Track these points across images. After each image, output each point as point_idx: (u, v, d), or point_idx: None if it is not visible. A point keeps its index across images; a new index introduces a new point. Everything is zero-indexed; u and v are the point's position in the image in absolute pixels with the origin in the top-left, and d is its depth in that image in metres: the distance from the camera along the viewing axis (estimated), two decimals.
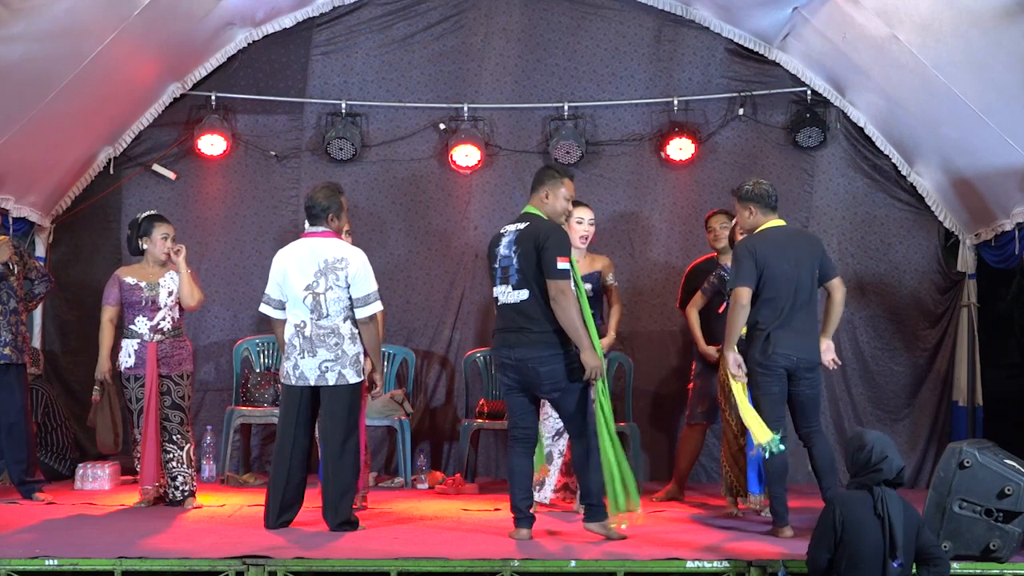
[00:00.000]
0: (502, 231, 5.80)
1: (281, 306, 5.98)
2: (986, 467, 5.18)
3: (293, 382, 5.92)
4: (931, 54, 6.99)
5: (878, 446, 4.63)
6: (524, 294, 5.62)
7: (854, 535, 4.51)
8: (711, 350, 6.90)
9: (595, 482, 5.67)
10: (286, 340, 5.96)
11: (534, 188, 5.84)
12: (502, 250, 5.72)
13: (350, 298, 5.89)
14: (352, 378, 5.90)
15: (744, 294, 5.80)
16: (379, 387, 6.17)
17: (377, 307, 5.94)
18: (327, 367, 5.87)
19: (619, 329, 7.11)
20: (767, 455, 5.77)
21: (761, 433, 5.74)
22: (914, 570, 4.61)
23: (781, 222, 6.04)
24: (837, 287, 6.07)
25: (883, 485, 4.58)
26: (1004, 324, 8.29)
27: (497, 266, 5.75)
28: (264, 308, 6.07)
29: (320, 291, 5.86)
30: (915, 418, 8.41)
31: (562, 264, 5.56)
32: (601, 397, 5.78)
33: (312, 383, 5.89)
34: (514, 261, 5.65)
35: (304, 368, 5.89)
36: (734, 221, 6.73)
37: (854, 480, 4.68)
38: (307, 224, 6.09)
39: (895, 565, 4.48)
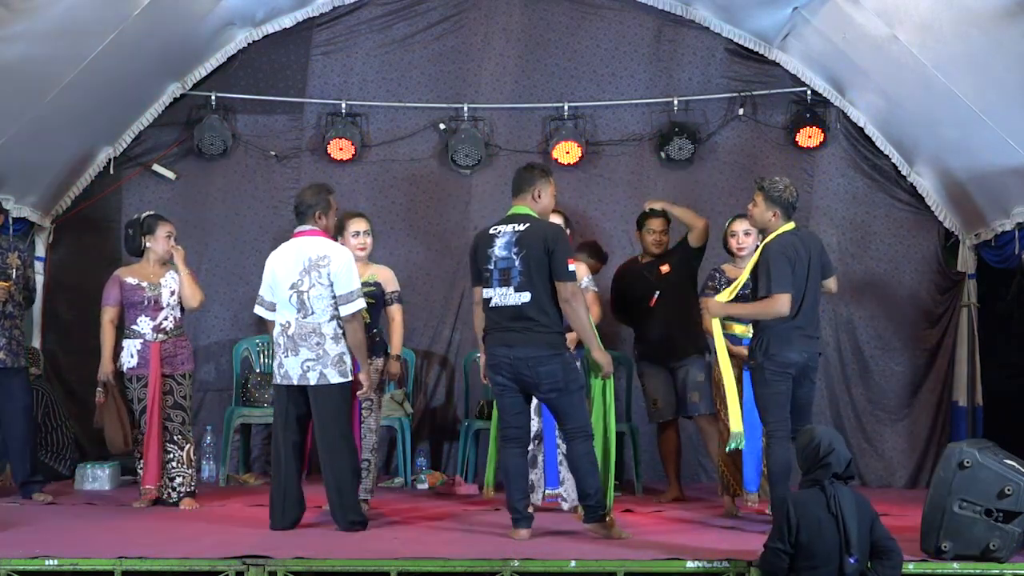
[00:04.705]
0: (492, 232, 5.73)
1: (273, 307, 6.01)
2: (986, 467, 5.18)
3: (279, 381, 5.97)
4: (931, 54, 6.99)
5: (825, 439, 4.67)
6: (526, 296, 5.61)
7: (810, 535, 4.53)
8: (742, 350, 6.52)
9: (592, 483, 5.67)
10: (273, 339, 6.01)
11: (522, 189, 5.82)
12: (498, 251, 5.66)
13: (334, 296, 5.88)
14: (334, 378, 5.87)
15: (788, 301, 5.71)
16: (365, 387, 6.07)
17: (359, 305, 5.90)
18: (308, 366, 5.87)
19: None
20: (732, 445, 5.98)
21: (736, 423, 5.94)
22: (869, 564, 4.63)
23: (793, 225, 6.03)
24: (832, 285, 6.14)
25: (834, 480, 4.61)
26: (1004, 324, 8.28)
27: (491, 267, 5.67)
28: (257, 309, 6.11)
29: (304, 289, 5.87)
30: (915, 418, 8.41)
31: (571, 266, 5.64)
32: (606, 395, 5.83)
33: (295, 382, 5.90)
34: (516, 263, 5.62)
35: (288, 367, 5.91)
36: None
37: (806, 477, 4.70)
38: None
39: (851, 561, 4.51)
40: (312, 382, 5.88)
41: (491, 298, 5.69)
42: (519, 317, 5.61)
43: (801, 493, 4.67)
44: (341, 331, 5.91)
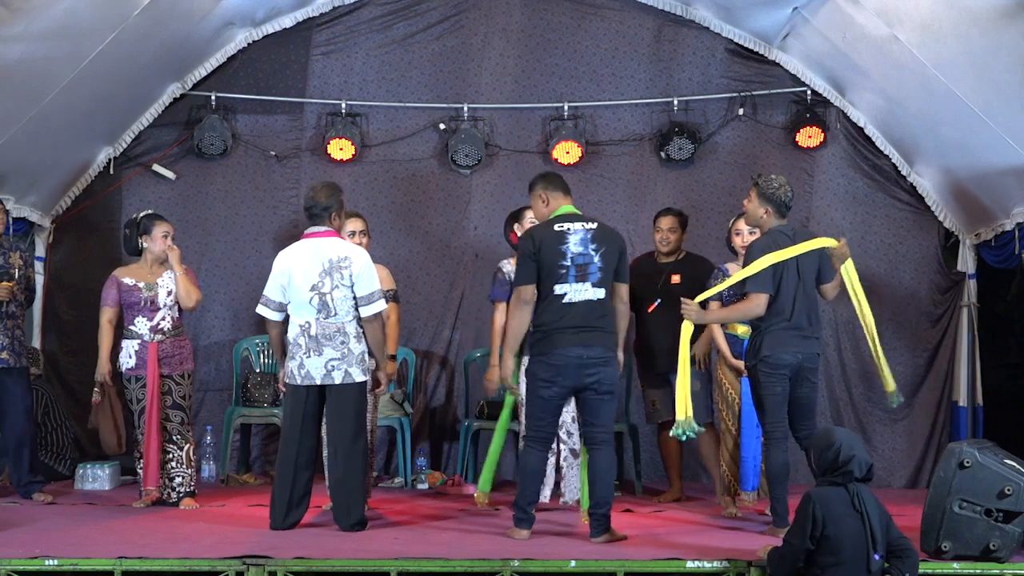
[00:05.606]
0: (558, 229, 5.68)
1: (281, 308, 5.96)
2: (986, 467, 5.18)
3: (299, 382, 5.90)
4: (931, 54, 6.99)
5: (845, 444, 4.64)
6: (602, 292, 5.67)
7: (835, 531, 4.53)
8: (740, 364, 6.54)
9: (610, 493, 5.70)
10: (290, 340, 5.94)
11: (569, 191, 5.93)
12: (574, 247, 5.64)
13: (355, 297, 5.89)
14: (358, 376, 5.90)
15: (764, 301, 5.75)
16: (383, 385, 6.14)
17: (381, 305, 5.92)
18: (333, 365, 5.87)
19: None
20: (682, 435, 5.73)
21: (682, 409, 5.74)
22: (886, 564, 4.63)
23: (785, 222, 6.02)
24: (829, 291, 6.03)
25: (854, 480, 4.60)
26: (1004, 324, 8.28)
27: (568, 263, 5.63)
28: (261, 310, 6.03)
29: (326, 291, 5.86)
30: (915, 418, 8.41)
31: None
32: None
33: (318, 382, 5.88)
34: (595, 259, 5.65)
35: (310, 367, 5.88)
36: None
37: (823, 479, 4.68)
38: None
39: (876, 558, 4.50)
40: (337, 381, 5.87)
41: (565, 294, 5.64)
42: (593, 314, 5.63)
43: (824, 490, 4.63)
44: (362, 329, 5.93)
